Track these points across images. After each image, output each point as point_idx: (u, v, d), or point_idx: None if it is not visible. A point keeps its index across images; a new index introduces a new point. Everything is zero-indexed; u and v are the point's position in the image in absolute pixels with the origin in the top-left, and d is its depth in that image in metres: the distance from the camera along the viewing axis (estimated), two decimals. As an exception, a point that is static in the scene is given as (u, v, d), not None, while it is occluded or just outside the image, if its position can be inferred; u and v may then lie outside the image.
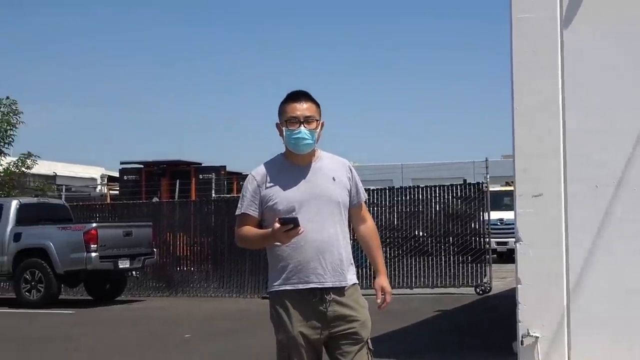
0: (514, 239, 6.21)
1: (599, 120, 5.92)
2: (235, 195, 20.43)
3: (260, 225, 3.88)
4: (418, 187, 16.30)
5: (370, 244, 4.04)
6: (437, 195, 15.78)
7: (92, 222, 15.86)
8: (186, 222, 17.34)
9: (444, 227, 15.57)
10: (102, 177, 37.07)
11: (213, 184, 19.51)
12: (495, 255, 20.62)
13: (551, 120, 5.96)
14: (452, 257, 15.42)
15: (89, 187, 33.39)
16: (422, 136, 71.74)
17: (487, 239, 15.47)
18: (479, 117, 72.22)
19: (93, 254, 14.47)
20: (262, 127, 72.06)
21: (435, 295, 14.83)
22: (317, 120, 3.85)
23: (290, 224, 3.60)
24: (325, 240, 3.76)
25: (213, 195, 18.87)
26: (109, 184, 28.65)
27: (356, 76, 70.13)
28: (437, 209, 15.75)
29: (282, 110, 3.88)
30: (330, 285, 3.76)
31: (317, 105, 3.89)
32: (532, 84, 6.03)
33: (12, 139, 21.14)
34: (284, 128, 3.84)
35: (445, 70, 74.40)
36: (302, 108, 3.83)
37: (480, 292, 14.88)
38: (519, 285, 6.02)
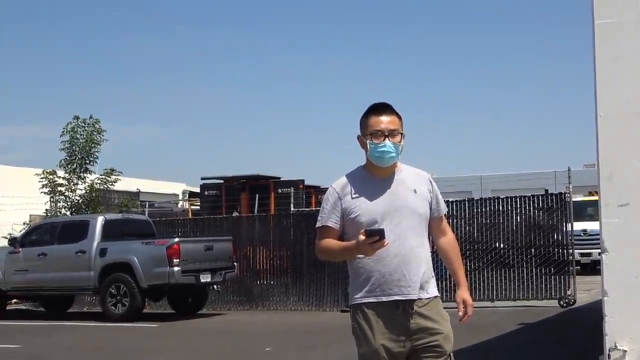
0: (598, 250, 6.04)
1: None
2: (314, 208, 20.54)
3: (341, 237, 3.86)
4: (498, 198, 16.06)
5: (450, 256, 4.00)
6: (518, 206, 15.52)
7: (175, 237, 16.13)
8: (265, 236, 17.48)
9: (525, 239, 15.30)
10: (183, 192, 37.72)
11: (292, 198, 19.66)
12: (578, 267, 20.14)
13: (636, 127, 5.78)
14: (534, 269, 15.13)
15: (171, 202, 33.98)
16: (502, 146, 70.69)
17: (571, 250, 15.11)
18: (560, 126, 70.80)
19: (175, 269, 14.71)
20: (340, 141, 72.24)
21: (517, 308, 14.55)
22: (401, 134, 3.84)
23: (376, 236, 3.57)
24: (408, 252, 3.74)
25: (292, 209, 18.98)
26: (191, 199, 29.11)
27: (434, 87, 69.76)
28: (518, 220, 15.49)
29: (365, 123, 3.86)
30: (414, 298, 3.73)
31: (400, 117, 3.87)
32: (616, 90, 5.86)
33: (97, 156, 21.74)
34: (367, 141, 3.82)
35: (524, 78, 73.30)
36: (386, 121, 3.81)
37: (564, 304, 14.53)
38: (605, 297, 5.83)
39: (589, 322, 9.96)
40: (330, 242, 3.85)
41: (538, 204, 15.41)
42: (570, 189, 15.53)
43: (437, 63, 72.97)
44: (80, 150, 21.44)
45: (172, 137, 77.37)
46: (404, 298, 3.72)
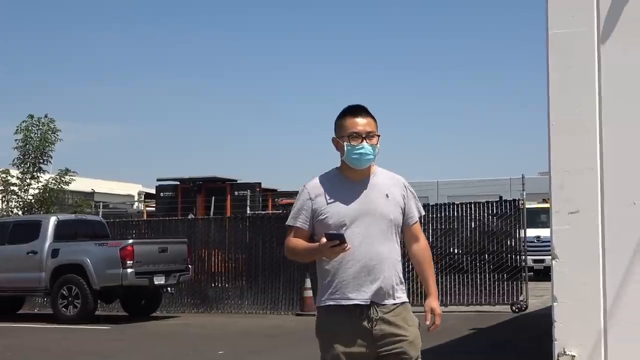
0: (550, 257, 6.12)
1: (637, 136, 5.83)
2: (270, 211, 20.52)
3: (311, 238, 3.84)
4: (453, 204, 16.21)
5: (422, 263, 3.97)
6: (473, 212, 15.68)
7: (129, 239, 16.00)
8: (221, 238, 17.43)
9: (479, 245, 15.46)
10: (139, 193, 37.44)
11: (248, 201, 19.60)
12: (532, 273, 20.39)
13: (588, 137, 5.88)
14: (488, 274, 15.29)
15: (126, 203, 33.69)
16: (458, 153, 71.35)
17: (524, 257, 15.31)
18: (516, 134, 71.69)
19: (129, 270, 14.58)
20: (298, 144, 72.23)
21: (471, 313, 14.69)
22: (377, 136, 3.83)
23: (337, 240, 3.56)
24: (374, 257, 3.72)
25: (248, 211, 18.94)
26: (146, 200, 28.88)
27: (390, 93, 70.19)
28: (473, 226, 15.65)
29: (341, 125, 3.84)
30: (376, 303, 3.71)
31: (375, 120, 3.87)
32: (568, 100, 5.96)
33: (51, 156, 21.46)
34: (344, 143, 3.79)
35: (481, 87, 74.05)
36: (363, 123, 3.80)
37: (517, 310, 14.71)
38: (554, 303, 5.92)
39: (539, 327, 10.10)
40: (297, 242, 3.82)
41: (493, 210, 15.59)
42: (524, 196, 15.73)
43: (393, 68, 73.37)
44: (34, 150, 21.16)
45: (128, 137, 76.65)
46: (363, 303, 3.69)
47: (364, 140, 3.77)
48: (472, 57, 72.59)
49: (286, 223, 3.90)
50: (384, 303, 3.72)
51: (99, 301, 15.51)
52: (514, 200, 15.75)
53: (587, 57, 5.94)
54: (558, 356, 5.86)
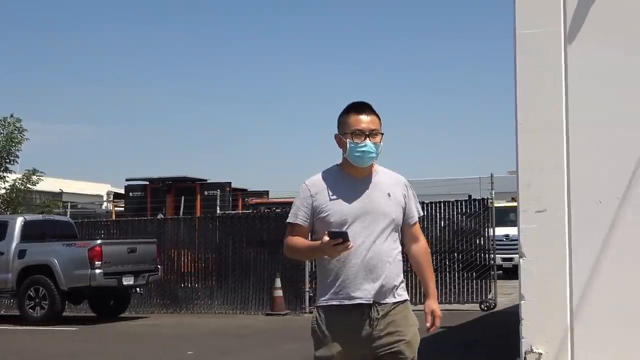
0: (518, 255, 6.16)
1: (603, 136, 5.89)
2: (240, 211, 20.45)
3: (311, 235, 3.80)
4: (422, 202, 16.26)
5: (421, 264, 3.95)
6: (442, 211, 15.74)
7: (97, 239, 15.84)
8: (191, 238, 17.34)
9: (448, 243, 15.53)
10: (108, 193, 37.14)
11: (218, 201, 19.52)
12: (500, 272, 20.54)
13: (555, 136, 5.93)
14: (457, 273, 15.38)
15: (94, 203, 33.43)
16: (427, 152, 71.72)
17: (492, 255, 15.42)
18: (485, 133, 72.19)
19: (97, 271, 14.45)
20: (268, 144, 72.12)
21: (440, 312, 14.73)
22: (380, 134, 3.79)
23: (340, 239, 3.53)
24: (375, 256, 3.69)
25: (218, 211, 18.87)
26: (115, 200, 28.67)
27: (359, 92, 70.33)
28: (442, 225, 15.72)
29: (344, 122, 3.80)
30: (377, 302, 3.69)
31: (379, 117, 3.83)
32: (536, 100, 6.00)
33: (17, 156, 21.24)
34: (347, 140, 3.75)
35: (450, 86, 74.46)
36: (367, 121, 3.76)
37: (485, 308, 14.81)
38: (522, 302, 5.97)
39: (508, 325, 10.17)
40: (297, 240, 3.78)
41: (461, 209, 15.67)
42: (493, 195, 15.84)
43: (364, 66, 73.56)
44: (0, 150, 20.92)
45: (97, 137, 76.00)
46: (366, 302, 3.67)
47: (367, 138, 3.73)
48: (440, 55, 73.00)
49: (287, 221, 3.85)
50: (385, 302, 3.71)
51: (66, 302, 15.35)
52: (483, 199, 15.86)
53: (554, 57, 5.99)
54: (525, 354, 5.91)
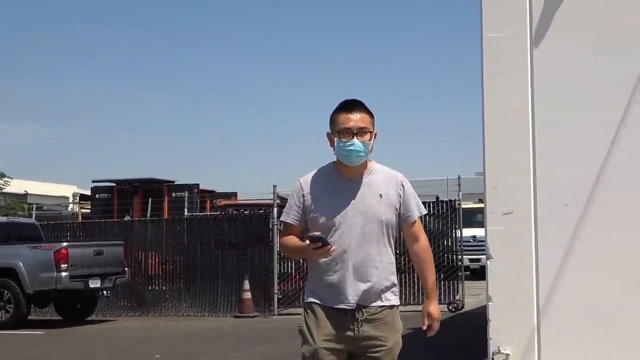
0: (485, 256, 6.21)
1: (569, 138, 5.94)
2: (208, 213, 20.35)
3: (305, 233, 3.79)
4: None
5: (421, 265, 3.88)
6: (410, 212, 15.76)
7: (63, 241, 15.67)
8: (158, 240, 17.23)
9: (416, 245, 15.55)
10: (74, 195, 36.75)
11: (186, 202, 19.41)
12: (468, 273, 20.67)
13: (521, 138, 5.98)
14: (424, 274, 15.41)
15: (60, 205, 33.09)
16: (394, 152, 72.08)
17: (460, 256, 15.51)
18: (453, 134, 72.69)
19: (63, 274, 14.29)
20: (236, 144, 71.92)
21: (408, 313, 14.63)
22: (370, 132, 3.73)
23: (319, 242, 3.52)
24: (363, 258, 3.66)
25: (186, 213, 18.77)
26: (81, 202, 28.41)
27: (324, 94, 70.39)
28: (410, 226, 15.74)
29: (334, 120, 3.76)
30: (362, 305, 3.67)
31: (371, 115, 3.77)
32: (502, 102, 6.05)
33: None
34: (335, 139, 3.73)
35: (417, 87, 74.84)
36: (356, 119, 3.71)
37: (453, 309, 14.89)
38: (489, 303, 6.01)
39: (475, 326, 10.23)
40: (289, 240, 3.78)
41: (429, 210, 15.72)
42: (460, 196, 15.94)
43: (328, 67, 73.65)
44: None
45: (63, 138, 75.22)
46: (349, 307, 3.66)
47: (355, 137, 3.68)
48: (408, 55, 73.31)
49: (280, 218, 3.89)
50: (370, 305, 3.68)
51: (32, 305, 15.17)
52: (451, 200, 15.96)
53: (520, 60, 6.04)
54: (493, 355, 5.95)
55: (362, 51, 73.87)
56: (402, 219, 3.80)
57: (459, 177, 16.71)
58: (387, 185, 3.76)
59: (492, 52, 6.07)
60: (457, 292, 15.25)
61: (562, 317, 5.86)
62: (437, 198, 17.05)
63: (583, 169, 5.88)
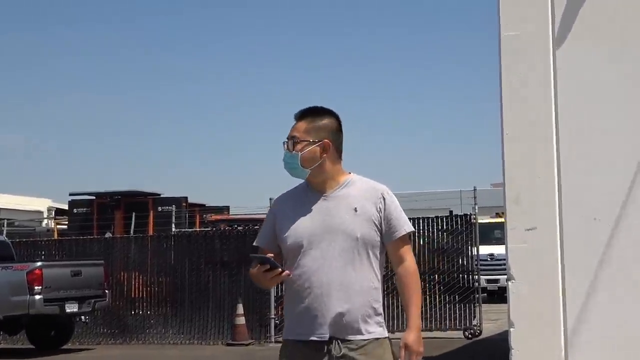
0: (505, 276, 6.19)
1: (596, 146, 5.93)
2: (198, 229, 20.33)
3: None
4: (399, 219, 16.31)
5: (403, 291, 3.76)
6: (421, 228, 15.77)
7: (37, 261, 15.62)
8: (142, 260, 17.22)
9: (428, 264, 15.55)
10: (49, 209, 36.75)
11: (173, 217, 19.42)
12: (485, 295, 20.64)
13: (544, 146, 5.97)
14: (437, 296, 15.39)
15: (34, 221, 33.09)
16: (403, 163, 72.02)
17: (477, 277, 15.48)
18: (467, 142, 72.69)
19: (37, 297, 14.24)
20: (226, 156, 71.85)
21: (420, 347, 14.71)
22: (303, 141, 3.69)
23: (267, 265, 3.46)
24: (335, 284, 3.55)
25: (173, 229, 18.76)
26: (57, 217, 28.42)
27: (331, 99, 70.47)
28: (421, 243, 15.74)
29: None
30: (339, 338, 3.55)
31: (312, 121, 3.73)
32: (523, 107, 6.05)
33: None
34: None
35: (428, 91, 74.90)
36: (293, 128, 3.77)
37: (470, 335, 14.85)
38: (511, 329, 5.99)
39: (495, 355, 10.20)
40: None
41: (441, 225, 15.71)
42: (476, 210, 15.92)
43: (338, 72, 73.79)
44: None
45: (37, 148, 75.20)
46: (319, 339, 3.55)
47: (287, 147, 3.73)
48: (422, 59, 73.44)
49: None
50: (349, 339, 3.56)
51: (1, 332, 15.14)
52: (465, 214, 15.92)
53: (542, 60, 6.04)
54: (515, 386, 5.92)
55: (370, 48, 74.04)
56: (385, 237, 3.70)
57: (474, 189, 16.71)
58: (364, 198, 3.68)
59: (510, 52, 6.07)
60: (474, 317, 15.20)
61: (592, 345, 5.83)
62: (451, 212, 17.02)
63: (614, 179, 5.87)
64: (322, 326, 3.55)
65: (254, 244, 3.81)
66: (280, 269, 3.48)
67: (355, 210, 3.64)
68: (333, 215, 3.64)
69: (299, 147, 3.69)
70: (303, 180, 3.80)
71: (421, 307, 3.81)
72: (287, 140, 3.74)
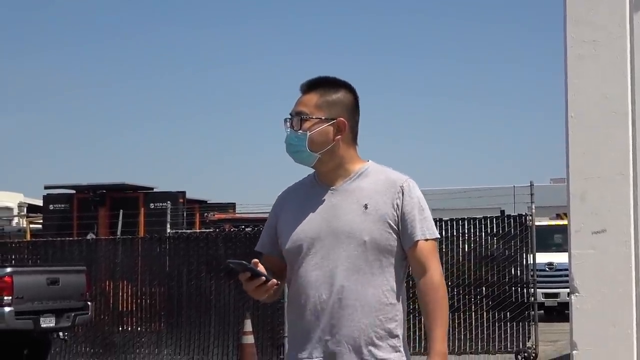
0: (566, 290, 6.19)
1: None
2: (198, 230, 20.40)
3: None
4: (440, 220, 16.28)
5: (423, 307, 3.62)
6: (466, 231, 15.76)
7: (6, 266, 15.74)
8: (131, 266, 17.31)
9: (474, 274, 15.54)
10: (20, 206, 36.97)
11: (168, 216, 19.48)
12: (542, 312, 20.61)
13: (618, 132, 5.96)
14: (485, 313, 15.39)
15: (2, 219, 33.31)
16: (447, 155, 71.97)
17: (532, 290, 15.45)
18: (522, 131, 72.49)
19: (6, 309, 14.33)
20: (234, 145, 72.11)
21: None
22: (313, 118, 3.59)
23: (248, 273, 3.40)
24: (337, 296, 3.50)
25: (168, 230, 18.83)
26: (30, 215, 28.57)
27: (374, 91, 70.91)
28: (466, 249, 15.74)
29: None
30: None
31: (325, 94, 3.61)
32: (592, 85, 6.03)
33: None
34: None
35: (475, 74, 74.93)
36: (297, 102, 3.65)
37: (523, 359, 14.84)
38: (574, 351, 5.98)
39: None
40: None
41: (491, 228, 15.68)
42: (533, 210, 15.87)
43: (384, 68, 74.16)
44: None
45: (6, 134, 75.66)
46: None
47: (290, 126, 3.62)
48: (470, 52, 73.62)
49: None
50: None
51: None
52: (520, 215, 15.87)
53: (616, 28, 6.02)
54: (579, 421, 5.93)
55: (417, 43, 74.23)
56: (404, 241, 3.58)
57: (531, 185, 16.63)
58: (379, 192, 3.58)
59: (578, 20, 6.06)
60: (529, 338, 15.19)
61: (672, 371, 5.83)
62: (502, 212, 17.01)
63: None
64: (318, 346, 3.53)
65: (255, 249, 3.75)
66: (264, 278, 3.40)
67: (366, 207, 3.55)
68: (338, 214, 3.56)
69: (307, 125, 3.58)
70: (312, 169, 3.71)
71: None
72: (291, 116, 3.62)
